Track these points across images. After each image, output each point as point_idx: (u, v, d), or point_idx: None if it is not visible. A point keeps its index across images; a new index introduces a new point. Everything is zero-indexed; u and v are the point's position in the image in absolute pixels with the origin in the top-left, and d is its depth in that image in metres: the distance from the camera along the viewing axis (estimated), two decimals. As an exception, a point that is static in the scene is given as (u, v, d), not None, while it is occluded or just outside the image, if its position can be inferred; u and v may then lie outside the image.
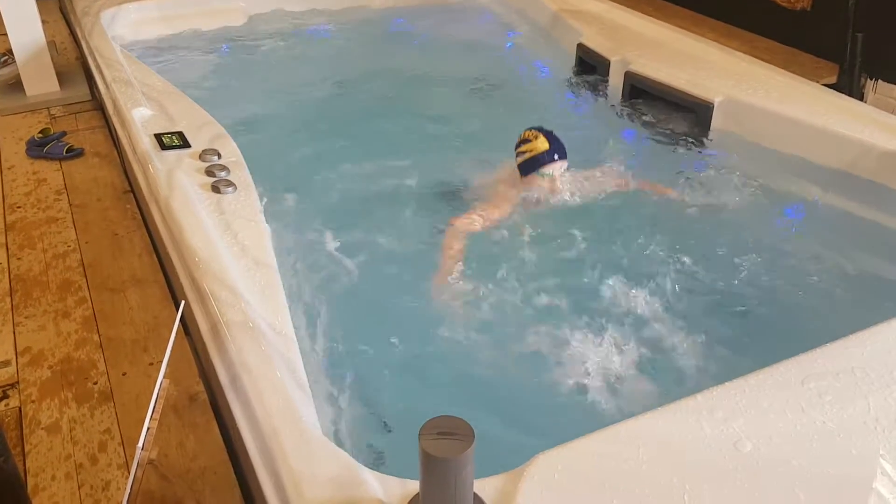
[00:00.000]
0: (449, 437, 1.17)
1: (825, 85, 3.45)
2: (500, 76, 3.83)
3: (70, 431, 1.98)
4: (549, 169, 2.49)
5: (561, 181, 2.51)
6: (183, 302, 1.64)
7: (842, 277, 2.33)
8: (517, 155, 2.55)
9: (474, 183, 2.69)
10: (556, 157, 2.49)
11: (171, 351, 1.56)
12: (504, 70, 3.89)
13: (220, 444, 1.86)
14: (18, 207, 2.99)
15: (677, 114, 2.93)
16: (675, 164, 2.80)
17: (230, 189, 2.30)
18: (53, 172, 3.23)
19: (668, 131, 2.92)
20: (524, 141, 2.54)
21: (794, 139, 2.59)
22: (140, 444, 1.34)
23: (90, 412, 2.05)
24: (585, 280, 2.20)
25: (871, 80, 3.39)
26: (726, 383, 1.45)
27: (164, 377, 1.45)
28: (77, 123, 3.72)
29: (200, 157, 2.49)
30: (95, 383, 2.14)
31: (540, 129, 2.54)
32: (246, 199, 2.28)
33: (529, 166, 2.52)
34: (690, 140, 2.85)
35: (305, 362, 1.82)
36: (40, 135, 3.42)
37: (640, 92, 3.07)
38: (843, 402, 1.44)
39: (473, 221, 2.39)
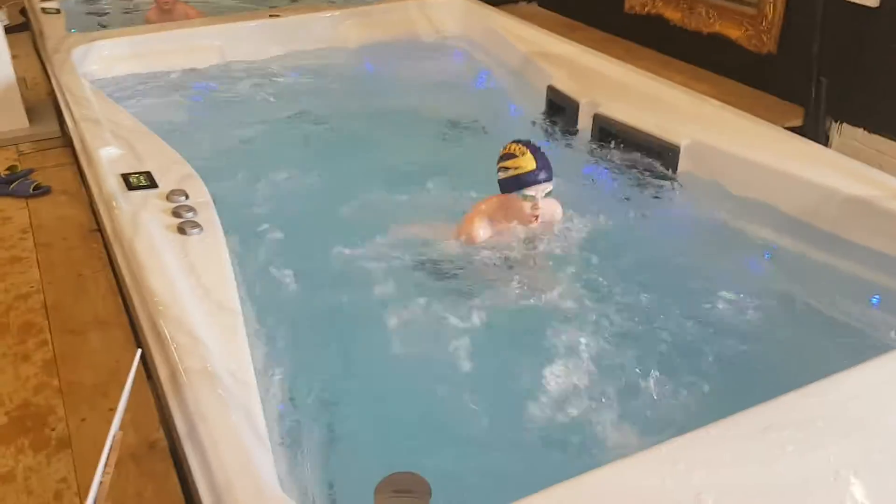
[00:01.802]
0: (405, 495, 1.16)
1: (791, 128, 3.51)
2: (472, 116, 3.86)
3: (25, 481, 1.92)
4: (532, 190, 2.34)
5: (542, 205, 2.39)
6: (140, 350, 1.61)
7: (804, 323, 2.36)
8: (499, 169, 2.40)
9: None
10: (541, 177, 2.33)
11: (128, 399, 1.54)
12: (476, 110, 3.91)
13: (179, 494, 1.81)
14: (-19, 246, 2.96)
15: (645, 156, 2.96)
16: (641, 206, 2.83)
17: (196, 230, 2.28)
18: (19, 210, 3.19)
19: (635, 174, 2.94)
20: (509, 155, 2.37)
21: (758, 183, 2.62)
22: (91, 499, 1.30)
23: (47, 460, 2.00)
24: (541, 318, 2.20)
25: (836, 123, 3.45)
26: (687, 434, 1.45)
27: (118, 428, 1.41)
28: (46, 160, 3.69)
29: (168, 197, 2.47)
30: (53, 429, 2.09)
31: (527, 144, 2.37)
32: (212, 240, 2.26)
33: (511, 184, 2.37)
34: (658, 183, 2.88)
35: (267, 409, 1.80)
36: (7, 172, 3.38)
37: (609, 134, 3.10)
38: (805, 453, 1.44)
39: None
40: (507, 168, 2.35)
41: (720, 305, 2.37)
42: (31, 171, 3.38)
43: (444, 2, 4.53)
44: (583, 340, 2.14)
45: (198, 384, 1.65)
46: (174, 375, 1.72)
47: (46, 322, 2.52)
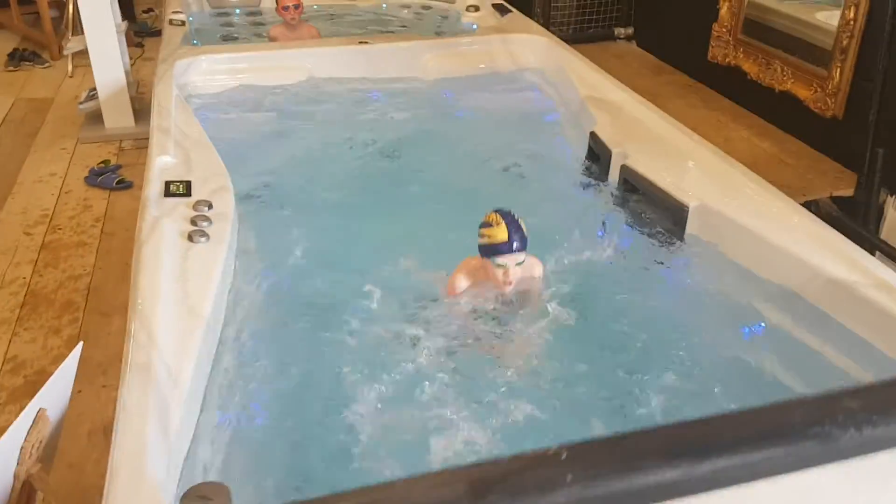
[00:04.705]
0: (205, 502, 1.33)
1: (841, 196, 3.38)
2: (528, 156, 3.94)
3: (17, 437, 2.28)
4: (503, 259, 2.48)
5: (514, 273, 2.51)
6: (81, 343, 1.88)
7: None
8: (479, 235, 2.56)
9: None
10: (512, 248, 2.47)
11: (63, 386, 1.81)
12: (535, 149, 3.99)
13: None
14: (59, 229, 3.41)
15: (660, 212, 2.97)
16: (642, 263, 2.85)
17: (203, 239, 2.54)
18: (101, 201, 3.64)
19: (646, 229, 2.96)
20: (486, 224, 2.53)
21: (755, 255, 2.58)
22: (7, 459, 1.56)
23: (39, 422, 2.34)
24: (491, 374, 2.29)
25: (893, 196, 3.28)
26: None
27: (40, 407, 1.68)
28: (140, 158, 4.15)
29: (194, 206, 2.76)
30: (54, 397, 2.45)
31: (504, 215, 2.51)
32: (214, 250, 2.52)
33: (485, 251, 2.53)
34: (665, 241, 2.88)
35: (206, 412, 2.02)
36: (101, 165, 3.86)
37: (631, 187, 3.12)
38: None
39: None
40: (482, 235, 2.50)
41: (693, 376, 2.38)
42: (119, 166, 3.84)
43: (526, 39, 4.64)
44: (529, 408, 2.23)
45: (135, 378, 1.89)
46: (125, 367, 1.98)
47: (84, 302, 2.90)
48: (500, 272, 2.51)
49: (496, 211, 2.53)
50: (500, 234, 2.46)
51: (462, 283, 2.64)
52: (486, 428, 2.16)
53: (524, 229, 2.50)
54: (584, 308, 2.67)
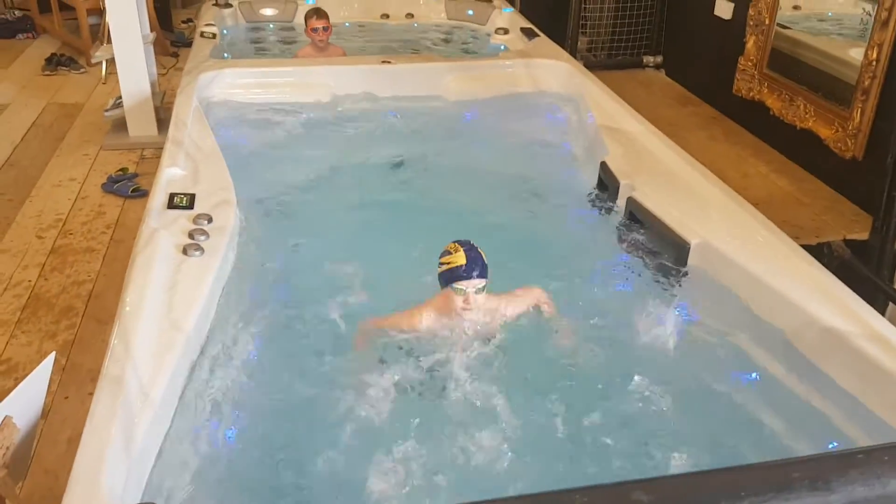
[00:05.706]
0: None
1: (855, 240, 3.29)
2: (540, 182, 3.93)
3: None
4: (462, 285, 2.48)
5: (475, 300, 2.50)
6: (53, 353, 1.90)
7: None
8: (439, 265, 2.57)
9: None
10: (472, 273, 2.48)
11: (36, 394, 1.83)
12: (545, 176, 3.97)
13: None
14: (70, 234, 3.46)
15: (662, 248, 2.91)
16: (642, 297, 2.80)
17: (197, 253, 2.57)
18: (115, 208, 3.69)
19: (647, 264, 2.91)
20: (445, 252, 2.55)
21: (753, 298, 2.51)
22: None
23: (24, 426, 2.38)
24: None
25: (909, 243, 3.19)
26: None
27: (6, 414, 1.70)
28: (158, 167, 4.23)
29: (194, 220, 2.79)
30: (41, 402, 2.48)
31: (462, 244, 2.54)
32: (206, 264, 2.54)
33: (445, 278, 2.53)
34: (665, 276, 2.83)
35: (178, 428, 2.02)
36: (119, 172, 3.93)
37: (636, 219, 3.08)
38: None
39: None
40: (442, 263, 2.53)
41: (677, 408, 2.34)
42: (136, 175, 3.90)
43: (549, 64, 4.62)
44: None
45: (106, 389, 1.91)
46: (100, 378, 1.99)
47: (84, 308, 2.93)
48: (459, 299, 2.50)
49: (455, 240, 2.56)
50: (459, 259, 2.49)
51: (425, 321, 2.62)
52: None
53: (484, 257, 2.51)
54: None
